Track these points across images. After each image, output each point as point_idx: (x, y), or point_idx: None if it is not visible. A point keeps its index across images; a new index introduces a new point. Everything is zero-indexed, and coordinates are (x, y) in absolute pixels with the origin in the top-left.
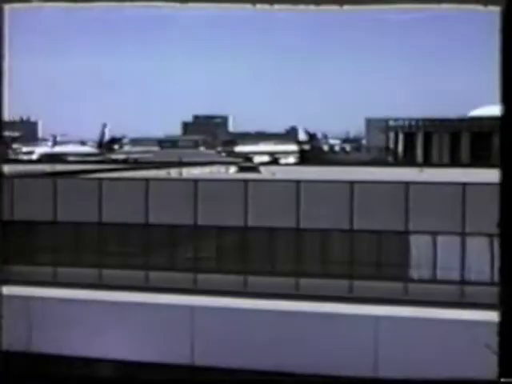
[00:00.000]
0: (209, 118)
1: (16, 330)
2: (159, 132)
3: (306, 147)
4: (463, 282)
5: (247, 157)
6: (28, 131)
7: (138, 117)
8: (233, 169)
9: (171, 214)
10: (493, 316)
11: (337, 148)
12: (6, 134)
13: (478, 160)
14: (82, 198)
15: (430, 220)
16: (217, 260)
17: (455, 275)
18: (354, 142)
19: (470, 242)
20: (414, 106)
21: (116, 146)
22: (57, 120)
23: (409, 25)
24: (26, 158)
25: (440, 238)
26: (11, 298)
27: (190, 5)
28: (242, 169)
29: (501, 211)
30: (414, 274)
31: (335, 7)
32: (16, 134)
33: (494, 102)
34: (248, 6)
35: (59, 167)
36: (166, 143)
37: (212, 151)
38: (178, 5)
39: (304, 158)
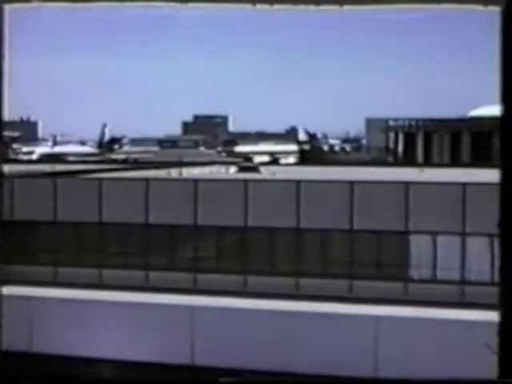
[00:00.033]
0: (209, 118)
1: (17, 330)
2: (159, 132)
3: (306, 147)
4: (463, 282)
5: (247, 157)
6: (28, 131)
7: (138, 117)
8: (233, 169)
9: (171, 214)
10: (493, 316)
11: (337, 148)
12: (6, 133)
13: (479, 160)
14: (82, 197)
15: (430, 220)
16: (217, 260)
17: (455, 275)
18: (354, 141)
19: (470, 242)
20: (413, 106)
21: (116, 146)
22: (57, 120)
23: (409, 25)
24: (26, 157)
25: (440, 238)
26: (12, 298)
27: (190, 5)
28: (242, 169)
29: (501, 211)
30: (414, 274)
31: (335, 7)
32: (16, 133)
33: (495, 101)
34: (248, 5)
35: (59, 167)
36: (166, 143)
37: (212, 151)
38: (177, 5)
39: (304, 158)
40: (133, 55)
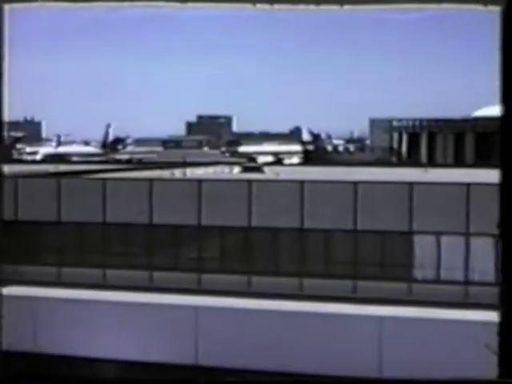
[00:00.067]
0: (213, 118)
1: (21, 330)
2: (162, 132)
3: (310, 147)
4: (467, 282)
5: (251, 157)
6: (32, 131)
7: (140, 117)
8: (237, 169)
9: (175, 214)
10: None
11: (341, 148)
12: (11, 134)
13: (483, 160)
14: (85, 198)
15: (434, 220)
16: (221, 260)
17: (459, 275)
18: (358, 142)
19: (474, 243)
20: (414, 106)
21: (120, 147)
22: (59, 120)
23: (409, 25)
24: (29, 158)
25: (444, 239)
26: (16, 298)
27: (190, 5)
28: (245, 169)
29: (501, 211)
30: (418, 274)
31: (335, 7)
32: (20, 134)
33: (498, 102)
34: (248, 5)
35: (63, 167)
36: (169, 143)
37: (216, 151)
38: (178, 5)
39: (308, 159)
40: (133, 55)
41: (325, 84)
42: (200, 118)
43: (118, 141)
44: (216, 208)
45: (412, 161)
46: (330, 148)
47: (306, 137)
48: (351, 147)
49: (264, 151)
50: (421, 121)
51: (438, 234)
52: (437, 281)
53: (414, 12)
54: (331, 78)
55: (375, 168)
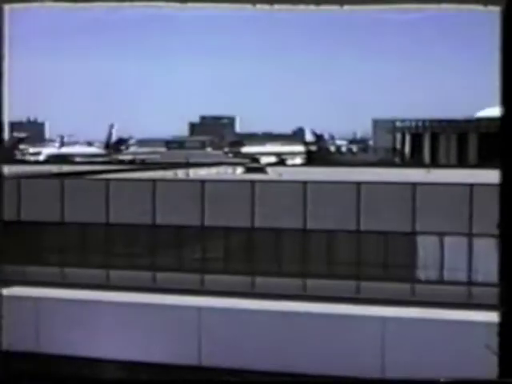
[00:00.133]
0: (216, 119)
1: (23, 330)
2: (165, 133)
3: (313, 148)
4: (470, 283)
5: (254, 158)
6: (35, 132)
7: (143, 118)
8: (240, 170)
9: (178, 215)
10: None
11: (344, 149)
12: (14, 134)
13: (486, 161)
14: (89, 198)
15: (437, 221)
16: (224, 261)
17: (462, 276)
18: (361, 142)
19: (477, 243)
20: (417, 107)
21: (123, 147)
22: (62, 121)
23: (410, 25)
24: (33, 158)
25: (447, 239)
26: (18, 298)
27: (190, 5)
28: (248, 169)
29: (501, 212)
30: (421, 275)
31: (335, 7)
32: (23, 134)
33: (498, 102)
34: (248, 6)
35: (66, 168)
36: (172, 144)
37: (219, 152)
38: (178, 5)
39: (311, 159)
40: (134, 56)
41: (327, 84)
42: (203, 118)
43: (121, 141)
44: (219, 208)
45: (415, 161)
46: (332, 148)
47: (308, 137)
48: (354, 148)
49: (267, 152)
50: (424, 121)
51: (441, 235)
52: (440, 281)
53: (414, 12)
54: (333, 79)
55: (378, 168)
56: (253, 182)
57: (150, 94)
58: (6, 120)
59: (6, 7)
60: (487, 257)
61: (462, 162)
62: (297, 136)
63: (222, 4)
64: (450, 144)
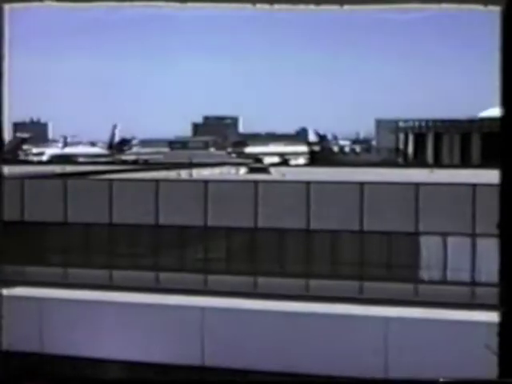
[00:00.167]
0: (219, 119)
1: (26, 330)
2: (169, 133)
3: (316, 148)
4: (474, 283)
5: (257, 158)
6: (38, 132)
7: (146, 118)
8: (243, 170)
9: (181, 215)
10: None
11: (347, 149)
12: (17, 135)
13: (489, 161)
14: (92, 199)
15: (440, 221)
16: (227, 261)
17: (465, 276)
18: (364, 142)
19: (480, 243)
20: (418, 107)
21: (126, 147)
22: (65, 121)
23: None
24: (36, 159)
25: (450, 239)
26: (21, 299)
27: (190, 5)
28: (252, 170)
29: (501, 212)
30: (424, 275)
31: (335, 7)
32: (26, 135)
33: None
34: (248, 5)
35: (69, 168)
36: (176, 144)
37: (222, 152)
38: (177, 5)
39: (314, 159)
40: (136, 55)
41: (328, 84)
42: (206, 118)
43: (124, 142)
44: (222, 209)
45: (418, 161)
46: (336, 149)
47: (312, 137)
48: (357, 148)
49: (270, 152)
50: (427, 121)
51: (444, 235)
52: (443, 281)
53: (414, 12)
54: (334, 79)
55: (381, 169)
56: (256, 183)
57: (152, 94)
58: (10, 120)
59: (6, 7)
60: (490, 257)
61: (465, 162)
62: (300, 136)
63: (222, 4)
64: (453, 144)
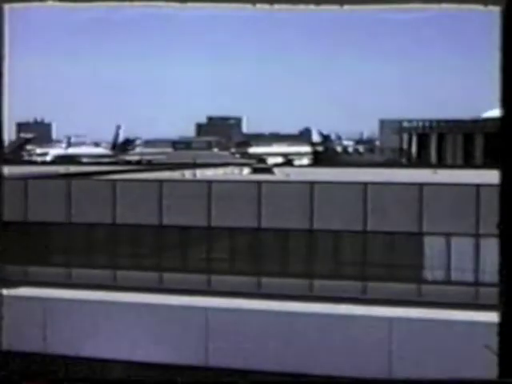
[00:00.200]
0: (222, 120)
1: (31, 330)
2: (172, 133)
3: (320, 148)
4: (477, 283)
5: (261, 158)
6: (42, 133)
7: (150, 118)
8: (246, 170)
9: (185, 216)
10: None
11: (350, 149)
12: (20, 135)
13: (492, 161)
14: (95, 199)
15: (443, 221)
16: (230, 261)
17: (469, 276)
18: (368, 143)
19: (484, 244)
20: (419, 107)
21: (130, 148)
22: (68, 121)
23: (411, 25)
24: (40, 159)
25: (454, 240)
26: (24, 299)
27: (190, 5)
28: (255, 170)
29: (501, 212)
30: (428, 275)
31: (335, 7)
32: (29, 135)
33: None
34: (248, 5)
35: (73, 169)
36: (179, 144)
37: (226, 152)
38: (177, 5)
39: (317, 160)
40: (135, 56)
41: (328, 84)
42: (210, 119)
43: (128, 142)
44: (226, 209)
45: (422, 162)
46: (339, 149)
47: (315, 138)
48: (361, 148)
49: (274, 152)
50: (430, 122)
51: (447, 235)
52: (447, 282)
53: (414, 12)
54: (334, 79)
55: (385, 169)
56: (259, 183)
57: (155, 95)
58: (13, 121)
59: (6, 7)
60: (494, 257)
61: (468, 163)
62: (303, 136)
63: (222, 4)
64: (457, 144)
